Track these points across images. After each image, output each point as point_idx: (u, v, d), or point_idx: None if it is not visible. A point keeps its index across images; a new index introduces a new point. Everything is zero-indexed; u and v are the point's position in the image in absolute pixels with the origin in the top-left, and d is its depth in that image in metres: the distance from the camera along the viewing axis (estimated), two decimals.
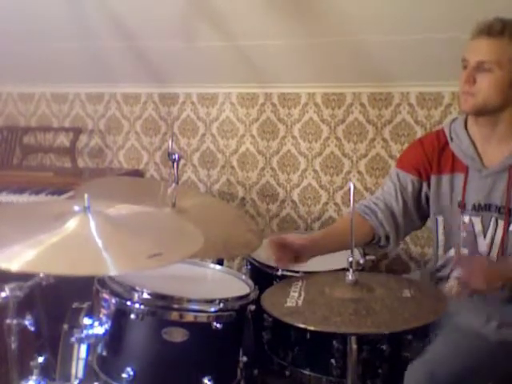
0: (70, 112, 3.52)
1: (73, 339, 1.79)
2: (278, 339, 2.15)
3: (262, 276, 2.24)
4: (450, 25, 2.47)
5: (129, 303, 1.79)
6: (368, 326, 1.48)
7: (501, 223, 1.89)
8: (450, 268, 1.97)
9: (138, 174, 3.40)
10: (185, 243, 1.64)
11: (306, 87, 3.05)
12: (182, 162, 3.09)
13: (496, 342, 1.77)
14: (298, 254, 1.92)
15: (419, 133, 2.88)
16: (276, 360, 2.16)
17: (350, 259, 1.60)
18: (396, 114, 2.93)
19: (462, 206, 1.94)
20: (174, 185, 2.33)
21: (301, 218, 3.16)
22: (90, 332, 1.78)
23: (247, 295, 1.92)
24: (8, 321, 1.76)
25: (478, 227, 1.93)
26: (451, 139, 1.99)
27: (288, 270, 2.10)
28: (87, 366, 1.89)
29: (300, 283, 1.73)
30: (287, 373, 2.13)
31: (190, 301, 1.80)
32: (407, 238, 2.90)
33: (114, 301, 1.82)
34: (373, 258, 2.41)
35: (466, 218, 1.94)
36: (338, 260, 1.97)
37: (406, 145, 2.84)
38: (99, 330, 1.80)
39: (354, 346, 1.61)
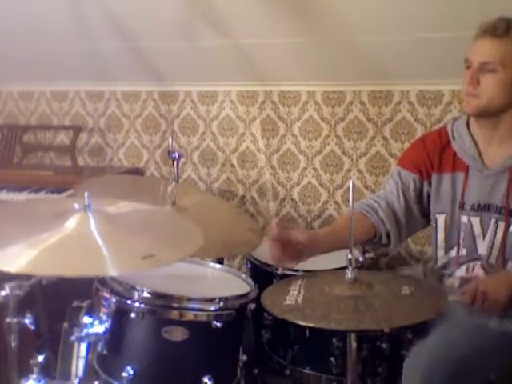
0: (69, 110, 3.51)
1: (73, 338, 1.79)
2: (278, 338, 2.15)
3: (262, 275, 2.24)
4: (450, 24, 2.46)
5: (129, 302, 1.80)
6: (367, 323, 1.48)
7: (501, 224, 1.88)
8: (451, 270, 1.97)
9: (138, 172, 3.39)
10: (184, 242, 1.64)
11: (306, 85, 3.04)
12: (182, 160, 3.07)
13: (498, 332, 1.77)
14: (298, 253, 1.90)
15: (419, 131, 2.87)
16: (276, 359, 2.16)
17: (350, 257, 1.59)
18: (396, 112, 2.92)
19: (461, 206, 1.94)
20: (174, 183, 2.34)
21: (301, 217, 3.15)
22: (90, 331, 1.78)
23: (247, 294, 1.92)
24: (8, 319, 1.77)
25: (477, 228, 1.92)
26: (453, 138, 1.98)
27: (288, 269, 2.09)
28: (87, 364, 1.90)
29: (300, 282, 1.72)
30: (287, 371, 2.14)
31: (189, 299, 1.80)
32: None
33: (114, 299, 1.82)
34: (372, 255, 2.41)
35: (465, 218, 1.94)
36: (338, 259, 1.96)
37: (407, 143, 2.84)
38: (99, 328, 1.80)
39: (354, 345, 1.60)
